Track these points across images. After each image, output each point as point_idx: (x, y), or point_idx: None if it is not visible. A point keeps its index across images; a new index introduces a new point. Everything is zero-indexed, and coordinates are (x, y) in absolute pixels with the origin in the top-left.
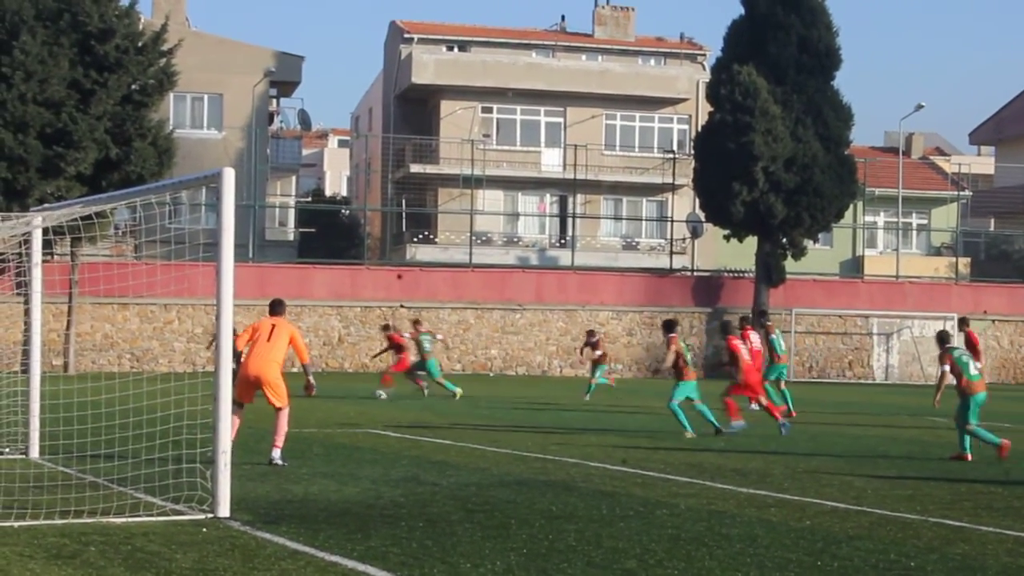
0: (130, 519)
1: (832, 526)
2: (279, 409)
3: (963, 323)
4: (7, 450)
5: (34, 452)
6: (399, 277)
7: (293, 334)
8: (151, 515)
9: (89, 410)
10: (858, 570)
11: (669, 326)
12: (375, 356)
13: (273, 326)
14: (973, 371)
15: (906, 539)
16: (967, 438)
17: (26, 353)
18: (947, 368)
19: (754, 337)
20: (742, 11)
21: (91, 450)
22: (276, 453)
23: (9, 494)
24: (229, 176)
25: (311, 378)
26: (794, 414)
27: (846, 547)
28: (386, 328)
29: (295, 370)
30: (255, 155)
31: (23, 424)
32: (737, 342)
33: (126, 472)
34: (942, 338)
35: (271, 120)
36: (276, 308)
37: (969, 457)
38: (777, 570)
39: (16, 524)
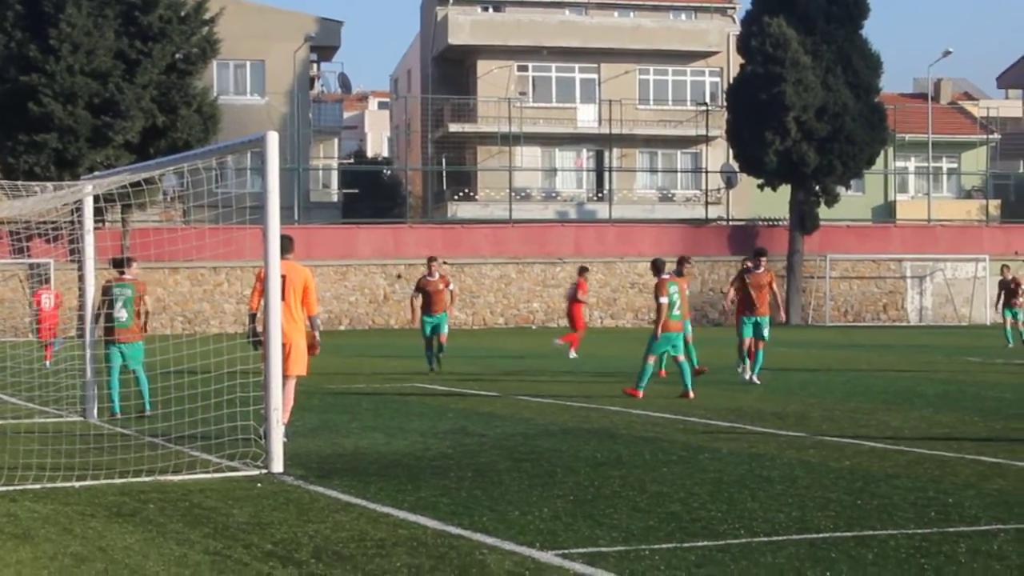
0: (187, 476)
1: (870, 465)
2: (289, 377)
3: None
4: (66, 413)
5: (92, 415)
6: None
7: (307, 281)
8: (207, 472)
9: (144, 372)
10: (897, 508)
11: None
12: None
13: (284, 277)
14: (676, 311)
15: (943, 476)
16: (688, 374)
17: (81, 319)
18: (664, 300)
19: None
20: None
21: (147, 411)
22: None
23: (70, 456)
24: (273, 140)
25: (317, 334)
26: None
27: (884, 485)
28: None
29: (343, 328)
30: (298, 119)
31: (81, 387)
32: None
33: (182, 431)
34: (657, 266)
35: (312, 84)
36: (283, 248)
37: (691, 394)
38: (818, 509)
39: (77, 484)
